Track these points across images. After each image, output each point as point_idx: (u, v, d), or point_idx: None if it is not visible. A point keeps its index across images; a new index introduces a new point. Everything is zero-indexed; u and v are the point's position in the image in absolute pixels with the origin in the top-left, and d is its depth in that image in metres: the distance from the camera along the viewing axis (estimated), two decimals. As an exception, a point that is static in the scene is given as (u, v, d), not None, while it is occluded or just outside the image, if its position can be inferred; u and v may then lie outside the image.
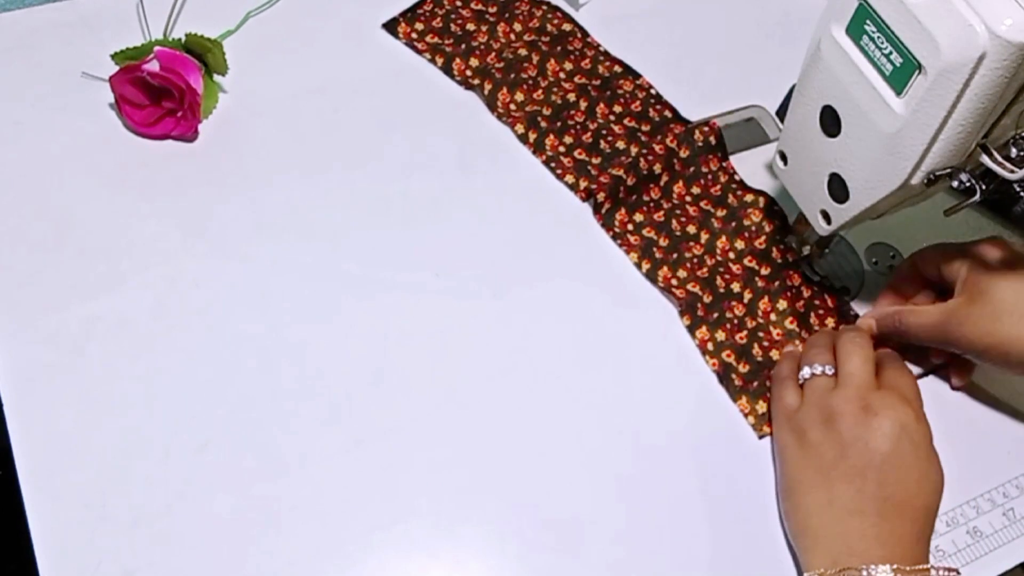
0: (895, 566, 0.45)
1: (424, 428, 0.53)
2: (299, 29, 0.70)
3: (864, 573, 0.45)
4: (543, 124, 0.66)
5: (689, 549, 0.51)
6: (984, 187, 0.48)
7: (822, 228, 0.55)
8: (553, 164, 0.65)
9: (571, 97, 0.68)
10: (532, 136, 0.66)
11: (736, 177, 0.65)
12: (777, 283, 0.60)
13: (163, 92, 0.61)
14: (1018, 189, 0.63)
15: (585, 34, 0.72)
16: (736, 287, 0.60)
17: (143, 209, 0.60)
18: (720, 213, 0.63)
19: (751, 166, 0.66)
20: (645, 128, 0.67)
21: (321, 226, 0.60)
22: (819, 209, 0.55)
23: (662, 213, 0.63)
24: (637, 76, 0.70)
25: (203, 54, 0.64)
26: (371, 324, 0.57)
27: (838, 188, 0.52)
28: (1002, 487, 0.55)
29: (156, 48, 0.62)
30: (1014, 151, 0.46)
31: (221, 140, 0.64)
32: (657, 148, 0.65)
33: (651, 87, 0.69)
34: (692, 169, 0.65)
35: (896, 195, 0.49)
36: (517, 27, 0.72)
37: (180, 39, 0.64)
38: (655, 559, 0.50)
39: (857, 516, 0.47)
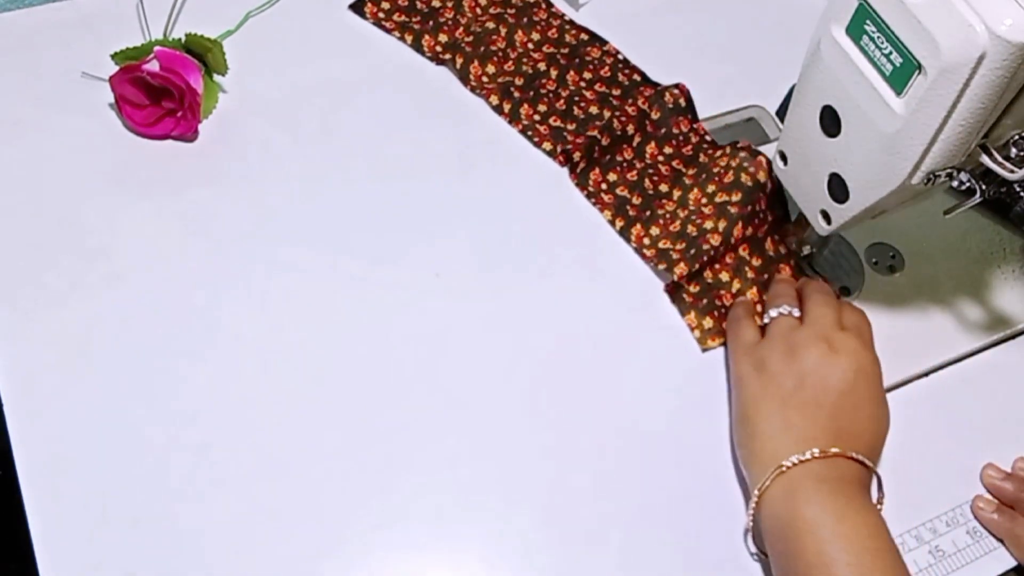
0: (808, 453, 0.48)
1: (424, 428, 0.53)
2: (299, 29, 0.70)
3: (786, 464, 0.48)
4: (516, 94, 0.67)
5: (692, 548, 0.51)
6: (984, 187, 0.48)
7: (822, 228, 0.55)
8: (530, 132, 0.66)
9: (541, 66, 0.69)
10: (507, 107, 0.67)
11: (708, 138, 0.66)
12: (749, 208, 0.61)
13: (163, 92, 0.61)
14: (1018, 189, 0.63)
15: (549, 4, 0.73)
16: (709, 224, 0.61)
17: (143, 209, 0.60)
18: (691, 171, 0.64)
19: (751, 166, 0.66)
20: (616, 93, 0.68)
21: (321, 226, 0.60)
22: (819, 209, 0.54)
23: (635, 172, 0.64)
24: (604, 43, 0.71)
25: (203, 54, 0.64)
26: (371, 324, 0.57)
27: (838, 188, 0.52)
28: (1002, 487, 0.55)
29: (156, 48, 0.62)
30: (1014, 151, 0.46)
31: (221, 140, 0.64)
32: (629, 110, 0.66)
33: (618, 53, 0.71)
34: (664, 130, 0.66)
35: (896, 195, 0.49)
36: (482, 0, 0.72)
37: (180, 39, 0.64)
38: (657, 557, 0.50)
39: (809, 443, 0.49)
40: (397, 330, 0.57)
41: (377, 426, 0.53)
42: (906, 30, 0.43)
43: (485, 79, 0.68)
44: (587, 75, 0.69)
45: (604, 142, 0.64)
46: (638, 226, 0.62)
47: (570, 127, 0.66)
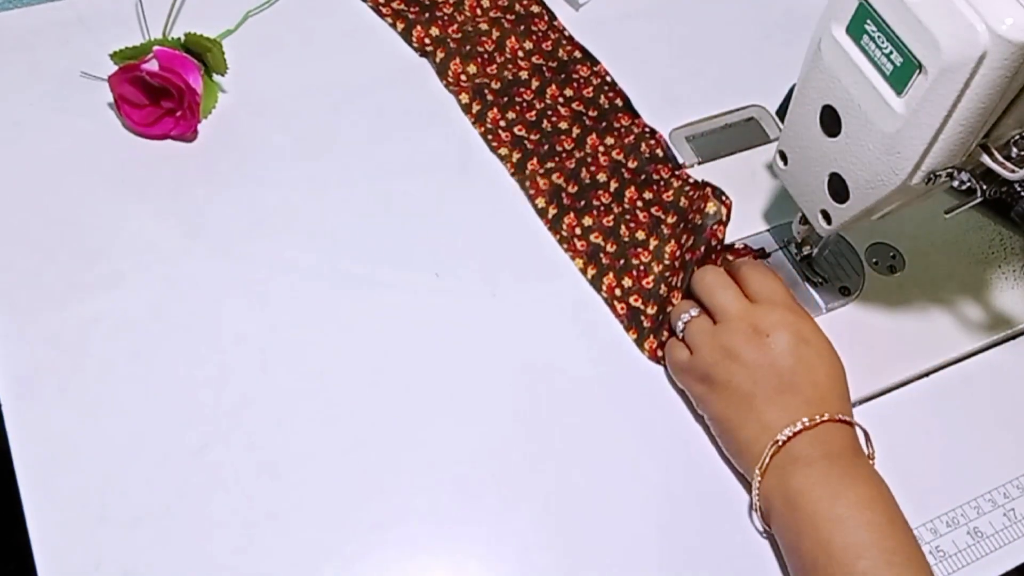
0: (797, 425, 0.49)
1: (424, 428, 0.53)
2: (299, 29, 0.70)
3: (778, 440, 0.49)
4: (489, 97, 0.67)
5: (693, 547, 0.51)
6: (984, 187, 0.48)
7: (822, 228, 0.55)
8: (490, 136, 0.65)
9: (523, 75, 0.68)
10: (476, 107, 0.66)
11: (690, 180, 0.63)
12: (703, 248, 0.58)
13: (162, 92, 0.61)
14: (1018, 189, 0.63)
15: (552, 17, 0.72)
16: (677, 281, 0.59)
17: (143, 209, 0.60)
18: (671, 220, 0.62)
19: (751, 166, 0.66)
20: (592, 113, 0.67)
21: (321, 226, 0.60)
22: (819, 209, 0.54)
23: (612, 218, 0.62)
24: (596, 63, 0.70)
25: (202, 54, 0.64)
26: (371, 324, 0.57)
27: (838, 188, 0.52)
28: (1003, 487, 0.55)
29: (155, 48, 0.62)
30: (1014, 151, 0.46)
31: (221, 140, 0.64)
32: (602, 159, 0.64)
33: (607, 74, 0.69)
34: (643, 177, 0.64)
35: (896, 195, 0.49)
36: (485, 3, 0.72)
37: (179, 39, 0.64)
38: (656, 560, 0.50)
39: (790, 426, 0.49)
40: (397, 330, 0.57)
41: (377, 426, 0.53)
42: (906, 30, 0.43)
43: (463, 78, 0.67)
44: (568, 92, 0.68)
45: (571, 189, 0.63)
46: (610, 275, 0.60)
47: (533, 137, 0.65)
